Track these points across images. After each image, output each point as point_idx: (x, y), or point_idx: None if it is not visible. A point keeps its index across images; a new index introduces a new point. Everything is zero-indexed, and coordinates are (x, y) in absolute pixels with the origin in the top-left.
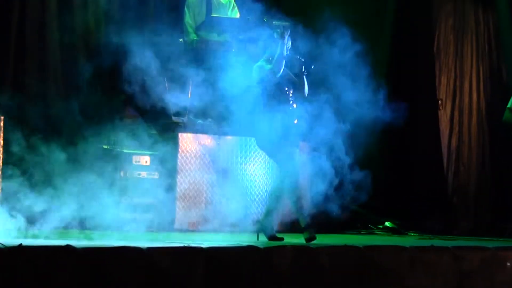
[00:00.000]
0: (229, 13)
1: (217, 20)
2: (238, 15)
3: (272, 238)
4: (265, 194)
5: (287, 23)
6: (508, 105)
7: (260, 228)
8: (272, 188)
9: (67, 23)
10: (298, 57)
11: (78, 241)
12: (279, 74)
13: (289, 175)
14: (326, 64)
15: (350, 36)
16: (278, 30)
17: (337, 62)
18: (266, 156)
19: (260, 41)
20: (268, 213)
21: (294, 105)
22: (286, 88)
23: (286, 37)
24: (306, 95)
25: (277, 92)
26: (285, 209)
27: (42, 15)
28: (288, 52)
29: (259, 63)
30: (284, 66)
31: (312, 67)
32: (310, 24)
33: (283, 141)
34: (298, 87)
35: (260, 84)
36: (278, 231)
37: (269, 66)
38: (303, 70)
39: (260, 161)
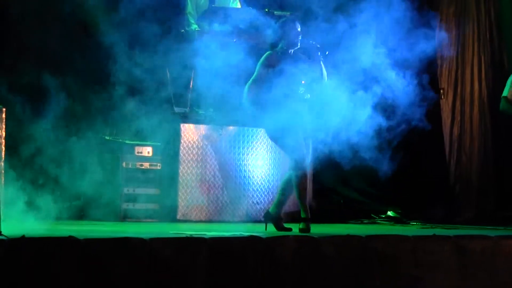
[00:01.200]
0: (231, 4)
1: (219, 10)
2: (239, 6)
3: (281, 228)
4: (267, 184)
5: (288, 13)
6: (503, 94)
7: (269, 218)
8: (283, 178)
9: (67, 11)
10: (312, 42)
11: (81, 232)
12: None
13: (294, 165)
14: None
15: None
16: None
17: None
18: (268, 146)
19: (264, 31)
20: (278, 203)
21: (308, 95)
22: (297, 77)
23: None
24: (326, 79)
25: (287, 81)
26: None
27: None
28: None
29: (266, 54)
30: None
31: (327, 53)
32: None
33: (292, 130)
34: (314, 74)
35: (268, 74)
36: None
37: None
38: (319, 54)
39: (262, 151)
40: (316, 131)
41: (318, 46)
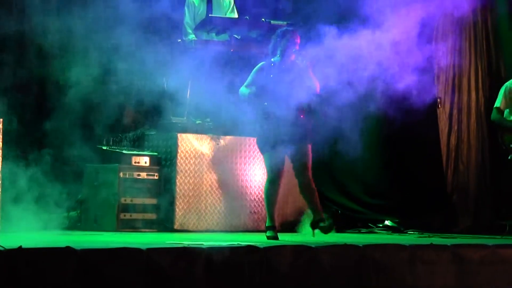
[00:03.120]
0: (227, 14)
1: (216, 20)
2: (236, 16)
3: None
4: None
5: (284, 23)
6: (496, 104)
7: (313, 225)
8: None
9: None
10: (301, 52)
11: (78, 243)
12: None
13: (267, 176)
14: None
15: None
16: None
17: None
18: None
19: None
20: (312, 211)
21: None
22: (280, 86)
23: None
24: (318, 90)
25: (274, 92)
26: (287, 209)
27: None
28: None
29: (259, 65)
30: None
31: (308, 63)
32: None
33: (272, 141)
34: (306, 86)
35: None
36: (278, 231)
37: (251, 90)
38: (307, 65)
39: (259, 161)
40: (307, 139)
41: (307, 56)
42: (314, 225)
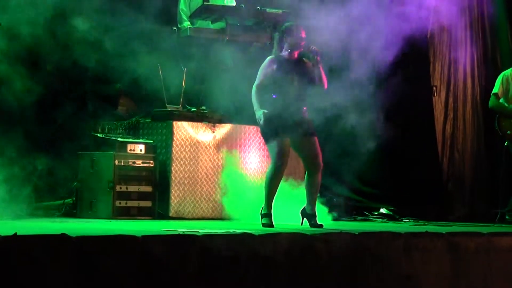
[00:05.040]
0: (225, 1)
1: (211, 7)
2: (234, 4)
3: (312, 225)
4: (260, 181)
5: (280, 11)
6: (494, 91)
7: (304, 215)
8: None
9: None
10: (312, 47)
11: (73, 230)
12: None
13: (271, 166)
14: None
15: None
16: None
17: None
18: (261, 144)
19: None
20: (309, 201)
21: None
22: (289, 81)
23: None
24: (326, 85)
25: (284, 86)
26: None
27: None
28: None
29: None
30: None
31: (319, 58)
32: None
33: (276, 131)
34: (310, 79)
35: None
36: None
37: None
38: (318, 60)
39: (255, 149)
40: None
41: (318, 50)
42: (304, 214)
